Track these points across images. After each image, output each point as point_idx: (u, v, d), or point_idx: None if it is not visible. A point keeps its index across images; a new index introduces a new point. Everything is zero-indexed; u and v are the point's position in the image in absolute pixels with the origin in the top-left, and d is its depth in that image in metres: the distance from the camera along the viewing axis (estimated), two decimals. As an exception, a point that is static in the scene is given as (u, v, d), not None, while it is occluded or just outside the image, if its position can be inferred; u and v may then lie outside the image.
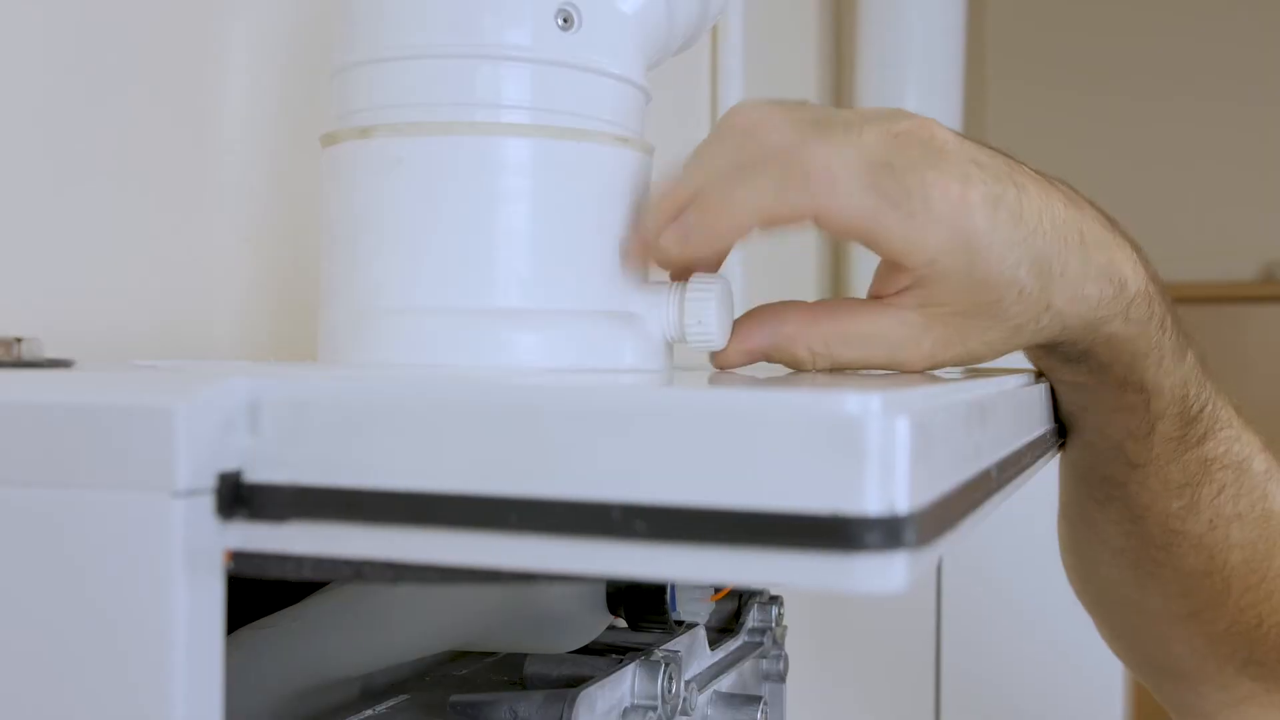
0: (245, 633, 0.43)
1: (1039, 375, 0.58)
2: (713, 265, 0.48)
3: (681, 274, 0.48)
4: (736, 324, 0.49)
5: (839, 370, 0.49)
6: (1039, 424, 0.54)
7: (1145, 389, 0.56)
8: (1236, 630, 0.64)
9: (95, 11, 0.52)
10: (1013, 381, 0.50)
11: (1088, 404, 0.58)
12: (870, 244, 0.46)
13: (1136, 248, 0.53)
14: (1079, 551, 0.69)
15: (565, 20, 0.46)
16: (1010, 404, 0.45)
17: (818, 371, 0.49)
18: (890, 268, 0.48)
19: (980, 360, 0.50)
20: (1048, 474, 0.53)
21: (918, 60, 1.57)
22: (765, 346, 0.49)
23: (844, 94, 1.67)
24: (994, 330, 0.49)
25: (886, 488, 0.25)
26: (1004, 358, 0.51)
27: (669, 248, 0.46)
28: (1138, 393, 0.56)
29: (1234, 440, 0.60)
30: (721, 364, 0.49)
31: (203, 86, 0.57)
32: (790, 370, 0.50)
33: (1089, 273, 0.50)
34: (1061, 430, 0.61)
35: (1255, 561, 0.62)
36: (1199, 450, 0.59)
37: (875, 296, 0.49)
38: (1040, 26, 2.89)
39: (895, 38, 1.58)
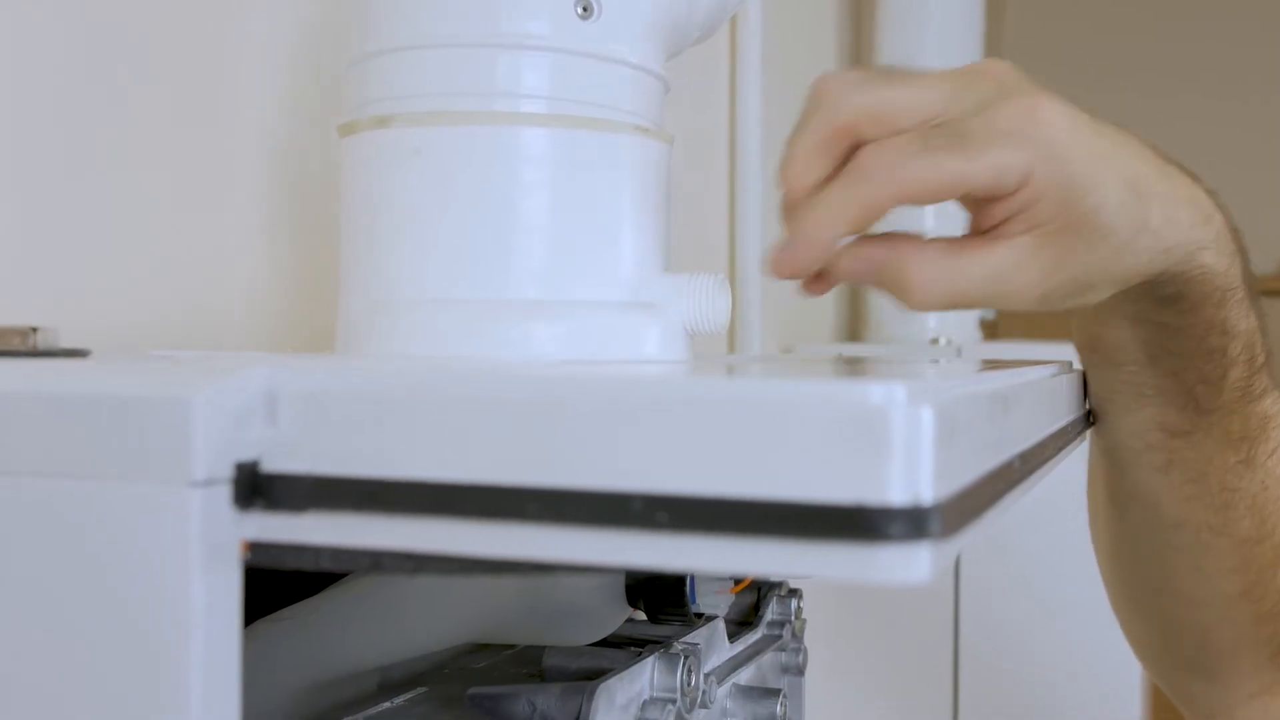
0: (262, 625, 0.43)
1: (1068, 367, 0.58)
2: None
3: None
4: (854, 241, 0.48)
5: (951, 308, 0.48)
6: (1062, 415, 0.54)
7: (1227, 331, 0.56)
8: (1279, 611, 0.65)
9: (112, 5, 0.52)
10: (1036, 372, 0.50)
11: (1173, 348, 0.58)
12: (961, 195, 0.46)
13: (1211, 191, 0.53)
14: (1125, 547, 0.69)
15: (584, 9, 0.45)
16: (1033, 394, 0.45)
17: (924, 308, 0.48)
18: (984, 205, 0.48)
19: (1090, 287, 0.49)
20: (1068, 466, 0.53)
21: (936, 54, 1.57)
22: (880, 260, 0.48)
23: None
24: (1100, 248, 0.48)
25: (911, 478, 0.25)
26: (1032, 356, 0.51)
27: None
28: (1221, 335, 0.56)
29: None
30: (835, 274, 0.49)
31: (218, 77, 0.57)
32: (892, 301, 0.49)
33: (1177, 196, 0.50)
34: (1089, 418, 0.61)
35: None
36: (1260, 405, 0.60)
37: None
38: (1060, 23, 2.88)
39: (914, 29, 1.57)
